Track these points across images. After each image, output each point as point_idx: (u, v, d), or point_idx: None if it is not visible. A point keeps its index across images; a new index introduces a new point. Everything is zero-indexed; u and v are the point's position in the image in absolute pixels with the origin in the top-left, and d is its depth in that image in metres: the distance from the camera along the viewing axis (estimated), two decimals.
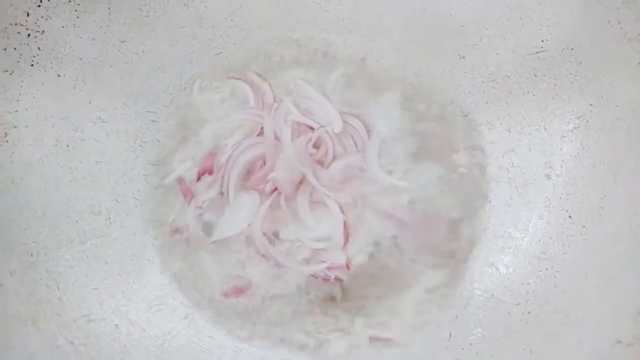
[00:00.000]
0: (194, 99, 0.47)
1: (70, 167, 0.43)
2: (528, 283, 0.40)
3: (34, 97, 0.42)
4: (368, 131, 0.46)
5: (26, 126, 0.42)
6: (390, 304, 0.42)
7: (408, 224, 0.44)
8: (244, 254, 0.43)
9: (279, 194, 0.44)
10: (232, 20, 0.48)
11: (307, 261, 0.43)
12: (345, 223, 0.43)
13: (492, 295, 0.41)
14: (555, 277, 0.39)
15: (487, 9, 0.45)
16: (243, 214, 0.44)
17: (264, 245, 0.43)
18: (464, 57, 0.46)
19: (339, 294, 0.43)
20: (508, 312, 0.40)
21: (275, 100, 0.47)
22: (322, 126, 0.45)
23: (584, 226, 0.39)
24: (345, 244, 0.43)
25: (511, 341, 0.39)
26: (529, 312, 0.39)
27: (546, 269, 0.40)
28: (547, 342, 0.37)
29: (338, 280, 0.43)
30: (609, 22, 0.39)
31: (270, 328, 0.42)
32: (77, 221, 0.42)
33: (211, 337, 0.41)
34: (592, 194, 0.40)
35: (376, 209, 0.44)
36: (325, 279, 0.43)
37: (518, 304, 0.40)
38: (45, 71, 0.42)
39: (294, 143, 0.44)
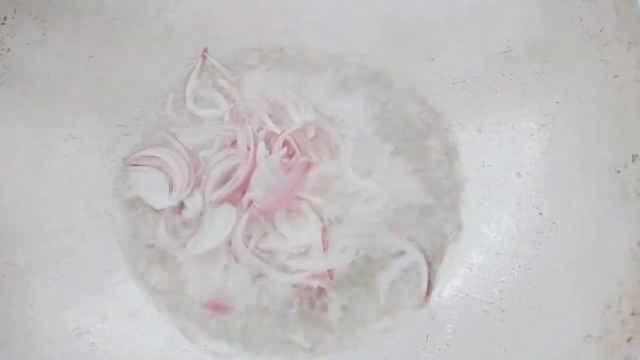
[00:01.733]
0: (166, 112, 0.47)
1: (41, 186, 0.43)
2: (502, 281, 0.41)
3: (2, 116, 0.42)
4: (342, 136, 0.46)
5: None
6: (368, 310, 0.43)
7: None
8: (224, 266, 0.43)
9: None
10: (202, 31, 0.48)
11: (288, 270, 0.43)
12: (323, 230, 0.43)
13: (467, 294, 0.42)
14: (527, 273, 0.40)
15: (454, 11, 0.45)
16: (221, 226, 0.43)
17: (245, 256, 0.43)
18: (433, 59, 0.47)
19: (321, 302, 0.42)
20: (483, 311, 0.40)
21: (247, 111, 0.47)
22: (284, 130, 0.45)
23: (554, 222, 0.40)
24: (325, 251, 0.43)
25: (487, 339, 0.39)
26: (503, 310, 0.40)
27: (519, 266, 0.40)
28: (521, 339, 0.37)
29: (320, 288, 0.42)
30: (571, 20, 0.39)
31: (251, 339, 0.42)
32: (50, 240, 0.42)
33: (189, 351, 0.41)
34: (561, 190, 0.40)
35: (353, 214, 0.44)
36: (307, 288, 0.42)
37: (492, 302, 0.40)
38: (12, 90, 0.42)
39: (267, 160, 0.44)
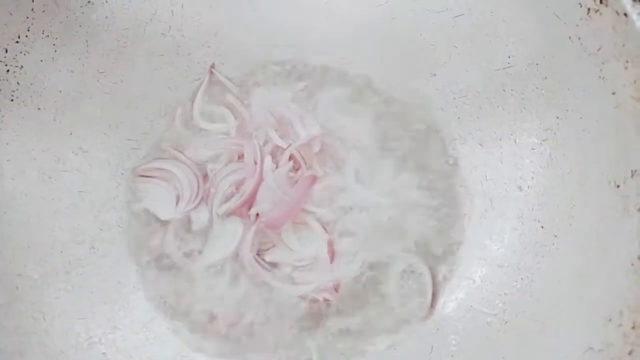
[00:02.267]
0: (175, 126, 0.48)
1: (53, 199, 0.43)
2: (505, 293, 0.41)
3: (15, 131, 0.42)
4: (346, 149, 0.47)
5: (8, 160, 0.42)
6: (374, 322, 0.43)
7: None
8: (231, 278, 0.43)
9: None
10: (209, 47, 0.49)
11: (294, 282, 0.43)
12: (329, 242, 0.44)
13: (471, 306, 0.42)
14: (530, 286, 0.40)
15: (455, 28, 0.46)
16: (228, 239, 0.44)
17: (253, 268, 0.43)
18: (435, 75, 0.48)
19: (327, 315, 0.43)
20: (487, 323, 0.41)
21: (254, 125, 0.47)
22: (290, 145, 0.46)
23: (555, 236, 0.40)
24: (331, 263, 0.43)
25: (490, 351, 0.39)
26: (506, 322, 0.40)
27: (521, 278, 0.41)
28: (524, 351, 0.38)
29: (326, 301, 0.43)
30: (569, 38, 0.40)
31: (259, 351, 0.42)
32: (61, 251, 0.42)
33: None
34: (562, 203, 0.40)
35: (358, 227, 0.45)
36: (314, 301, 0.43)
37: (496, 314, 0.41)
38: (25, 105, 0.43)
39: (274, 174, 0.44)
